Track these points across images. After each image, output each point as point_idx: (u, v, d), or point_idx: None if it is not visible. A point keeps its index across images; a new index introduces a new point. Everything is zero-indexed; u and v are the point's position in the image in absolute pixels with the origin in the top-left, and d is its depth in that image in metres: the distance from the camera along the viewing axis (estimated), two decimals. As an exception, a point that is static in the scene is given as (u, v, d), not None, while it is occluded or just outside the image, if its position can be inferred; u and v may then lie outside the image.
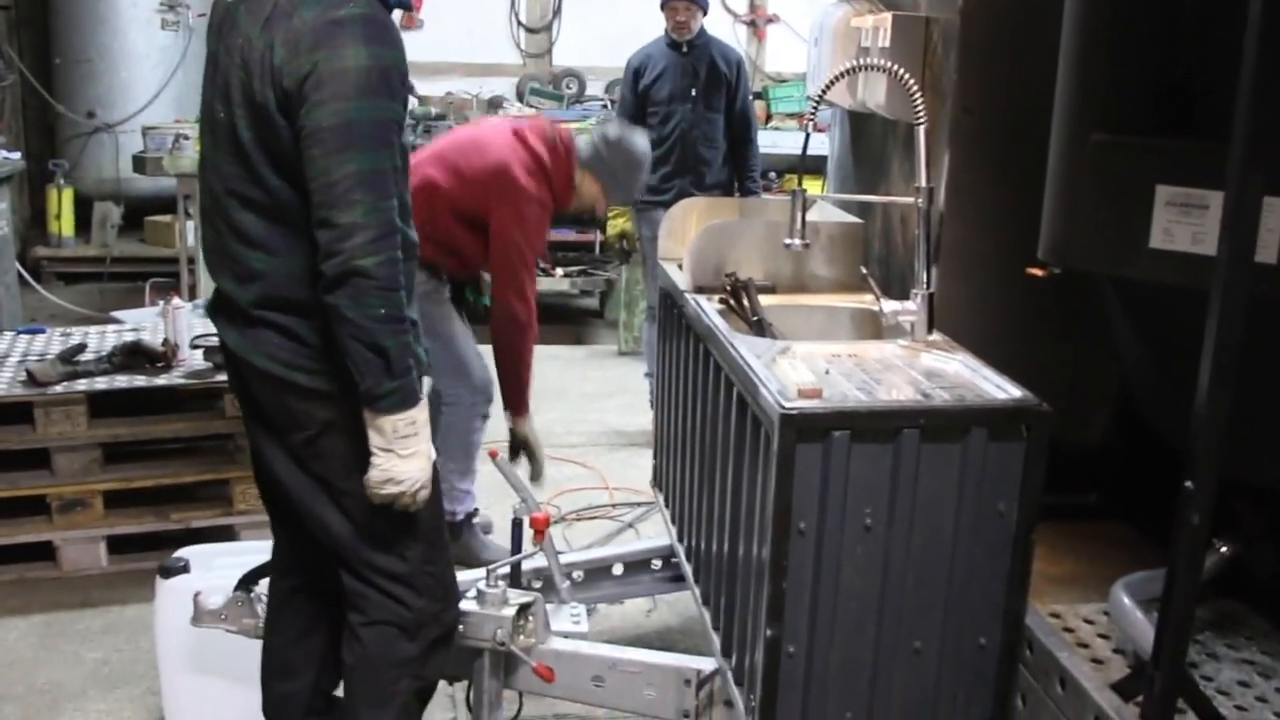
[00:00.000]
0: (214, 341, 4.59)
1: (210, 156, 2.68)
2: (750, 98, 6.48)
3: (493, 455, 3.65)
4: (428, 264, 4.13)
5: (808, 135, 3.16)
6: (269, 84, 2.46)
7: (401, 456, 2.61)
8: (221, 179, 2.63)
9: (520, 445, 4.64)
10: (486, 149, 4.39)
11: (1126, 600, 2.81)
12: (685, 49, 6.19)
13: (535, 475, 4.63)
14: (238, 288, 2.66)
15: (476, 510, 4.94)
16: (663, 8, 6.22)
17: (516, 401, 4.56)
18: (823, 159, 4.88)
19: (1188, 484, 2.23)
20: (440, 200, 4.32)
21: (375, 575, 2.77)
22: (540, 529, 3.30)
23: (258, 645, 3.16)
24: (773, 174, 9.59)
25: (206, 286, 7.39)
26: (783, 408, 2.45)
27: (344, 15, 2.44)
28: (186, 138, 7.90)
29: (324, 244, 2.47)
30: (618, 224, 6.35)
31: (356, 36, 2.43)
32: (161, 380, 4.63)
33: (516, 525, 3.40)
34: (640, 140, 4.59)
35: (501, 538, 4.56)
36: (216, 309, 2.79)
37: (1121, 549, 3.28)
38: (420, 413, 2.64)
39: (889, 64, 3.11)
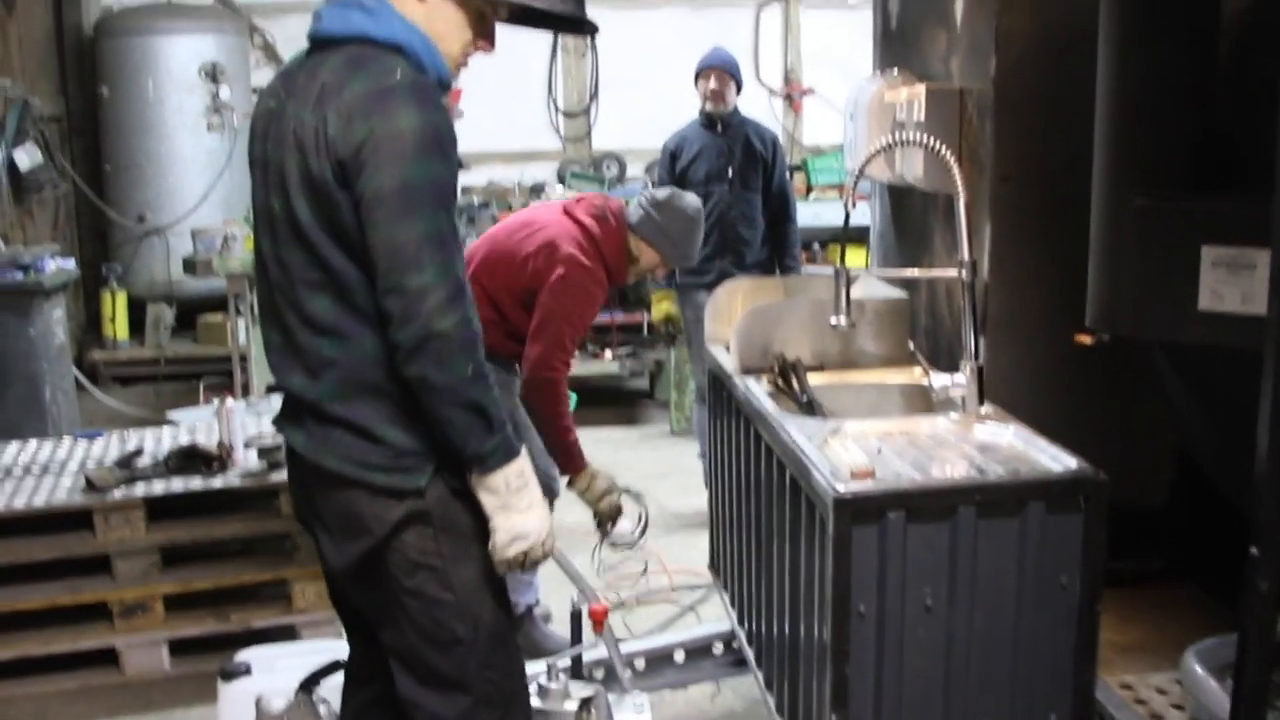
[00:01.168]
0: (269, 441, 4.63)
1: (271, 254, 2.65)
2: (787, 175, 6.48)
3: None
4: (495, 353, 3.75)
5: (847, 212, 3.17)
6: (325, 156, 2.46)
7: (521, 511, 2.58)
8: (287, 271, 2.60)
9: (601, 511, 4.46)
10: (537, 228, 4.45)
11: (1199, 669, 2.75)
12: (720, 129, 6.22)
13: (643, 528, 4.59)
14: (309, 383, 2.62)
15: (537, 601, 4.93)
16: (696, 80, 6.26)
17: (571, 464, 4.43)
18: (865, 229, 4.88)
19: (1254, 550, 2.19)
20: (499, 285, 4.37)
21: (431, 680, 2.69)
22: (599, 620, 3.28)
23: (320, 749, 3.16)
24: (816, 244, 9.61)
25: (259, 385, 7.47)
26: (836, 491, 2.43)
27: (394, 83, 2.46)
28: (235, 238, 7.99)
29: (397, 311, 2.44)
30: (662, 307, 6.36)
31: (408, 101, 2.45)
32: (218, 482, 4.67)
33: (576, 617, 3.39)
34: (690, 198, 4.60)
35: (561, 627, 4.53)
36: (284, 414, 2.76)
37: (1191, 613, 3.23)
38: (525, 462, 2.60)
39: (925, 137, 3.11)
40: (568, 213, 4.50)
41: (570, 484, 4.46)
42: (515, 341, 4.40)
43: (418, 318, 2.42)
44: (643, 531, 4.59)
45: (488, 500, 2.57)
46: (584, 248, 4.38)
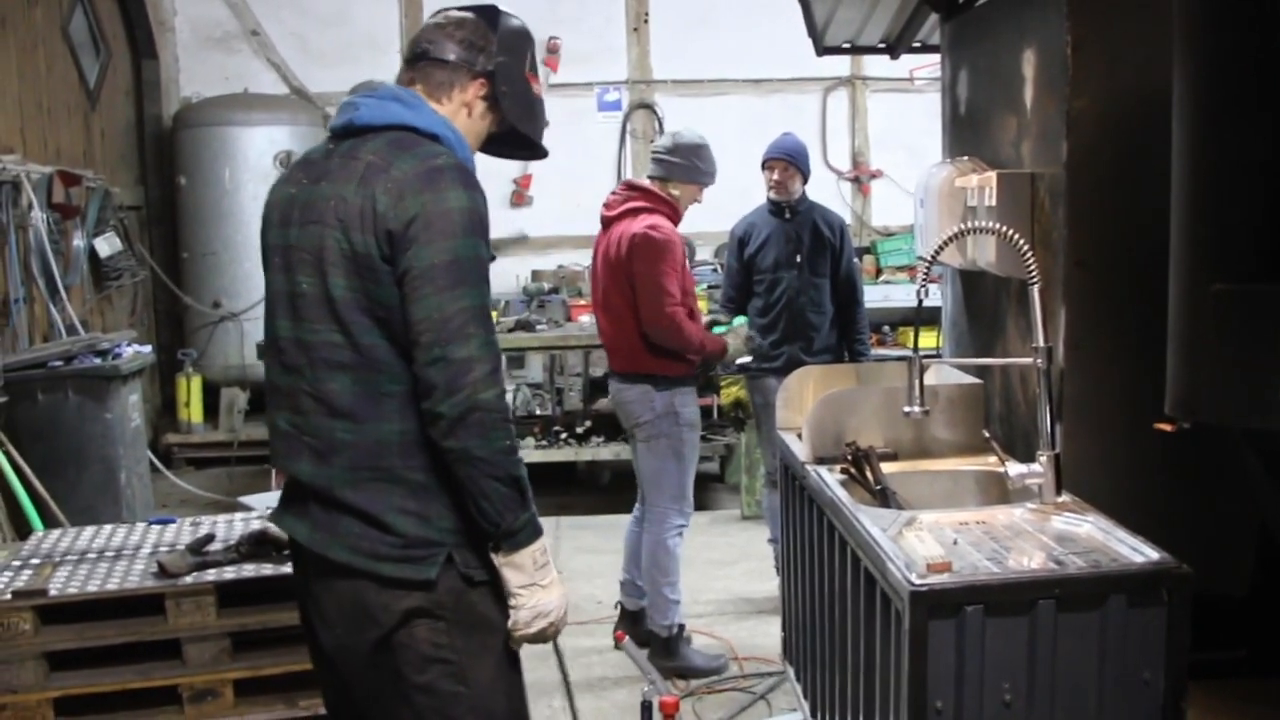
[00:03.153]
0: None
1: (290, 337, 2.65)
2: (855, 260, 6.45)
3: (619, 639, 3.61)
4: (678, 378, 5.31)
5: (920, 300, 3.14)
6: (371, 232, 2.49)
7: (544, 588, 2.61)
8: (308, 352, 2.61)
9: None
10: (613, 239, 5.37)
11: (1289, 767, 2.67)
12: (788, 215, 6.21)
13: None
14: (318, 468, 2.61)
15: (684, 625, 5.45)
16: (762, 168, 6.28)
17: (716, 354, 5.45)
18: (936, 309, 4.85)
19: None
20: (627, 304, 5.30)
21: None
22: (670, 713, 3.25)
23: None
24: (886, 327, 9.57)
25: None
26: (912, 585, 2.39)
27: (442, 164, 2.54)
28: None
29: (442, 382, 2.46)
30: (731, 392, 6.35)
31: (456, 182, 2.53)
32: (287, 568, 4.67)
33: (646, 709, 3.35)
34: (686, 131, 5.55)
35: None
36: (286, 504, 2.76)
37: (1277, 707, 3.14)
38: (547, 539, 2.64)
39: (998, 225, 3.09)
40: (620, 218, 5.40)
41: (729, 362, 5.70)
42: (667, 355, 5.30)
43: (463, 389, 2.45)
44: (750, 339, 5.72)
45: (514, 577, 2.58)
46: (642, 220, 5.27)
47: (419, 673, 2.58)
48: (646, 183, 5.49)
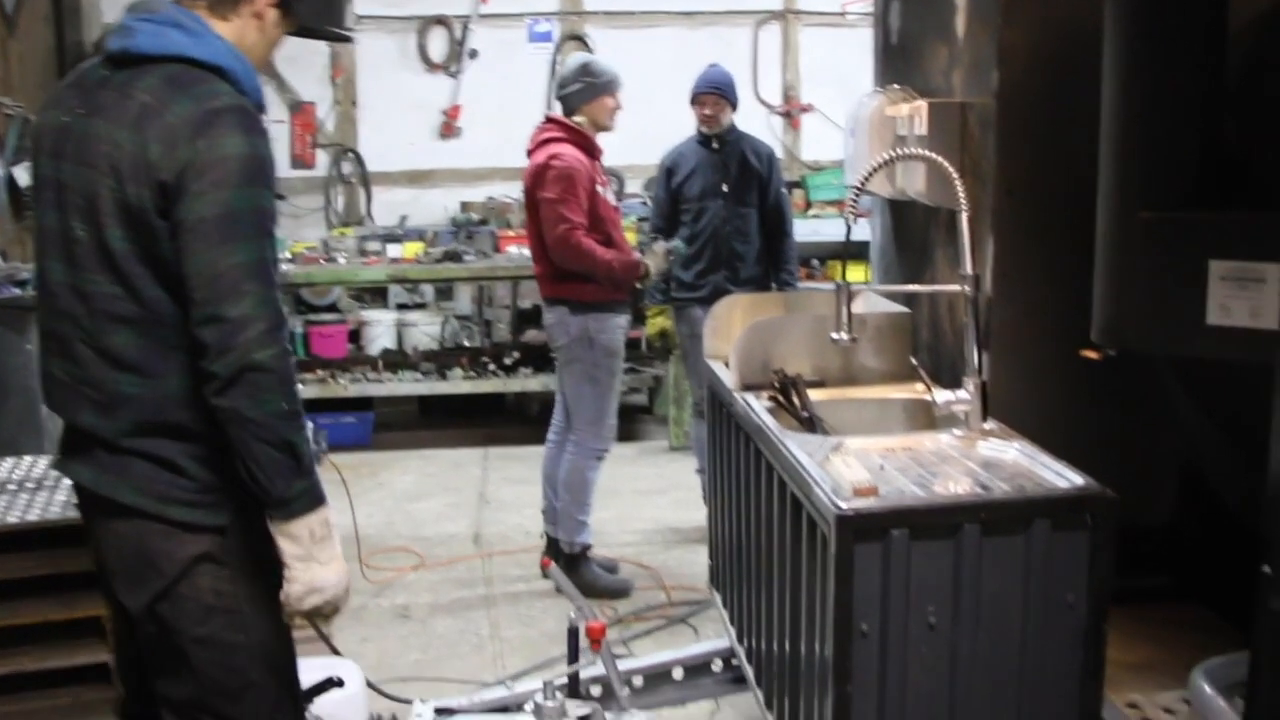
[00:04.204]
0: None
1: (65, 283, 2.49)
2: (784, 191, 6.44)
3: (545, 565, 3.60)
4: (595, 303, 5.44)
5: (849, 227, 3.13)
6: (144, 184, 2.35)
7: (322, 563, 2.48)
8: (87, 302, 2.46)
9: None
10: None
11: (1208, 688, 2.71)
12: (716, 145, 6.19)
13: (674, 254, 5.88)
14: (101, 420, 2.48)
15: (591, 545, 5.67)
16: (692, 103, 6.24)
17: (630, 276, 5.52)
18: (865, 245, 4.85)
19: (1265, 568, 2.16)
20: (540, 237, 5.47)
21: None
22: (597, 637, 3.24)
23: (314, 768, 3.12)
24: (815, 261, 9.58)
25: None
26: (839, 508, 2.40)
27: (222, 105, 2.38)
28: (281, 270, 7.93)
29: (213, 341, 2.33)
30: (657, 322, 6.33)
31: (235, 126, 2.37)
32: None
33: (573, 634, 3.35)
34: (573, 57, 5.97)
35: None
36: (67, 450, 2.62)
37: (1198, 632, 3.19)
38: (330, 513, 2.50)
39: (927, 152, 3.08)
40: (535, 150, 5.55)
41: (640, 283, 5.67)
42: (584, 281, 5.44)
43: (235, 348, 2.33)
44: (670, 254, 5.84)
45: (288, 548, 2.45)
46: (549, 150, 5.43)
47: (199, 625, 2.50)
48: (557, 120, 5.63)
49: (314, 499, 2.46)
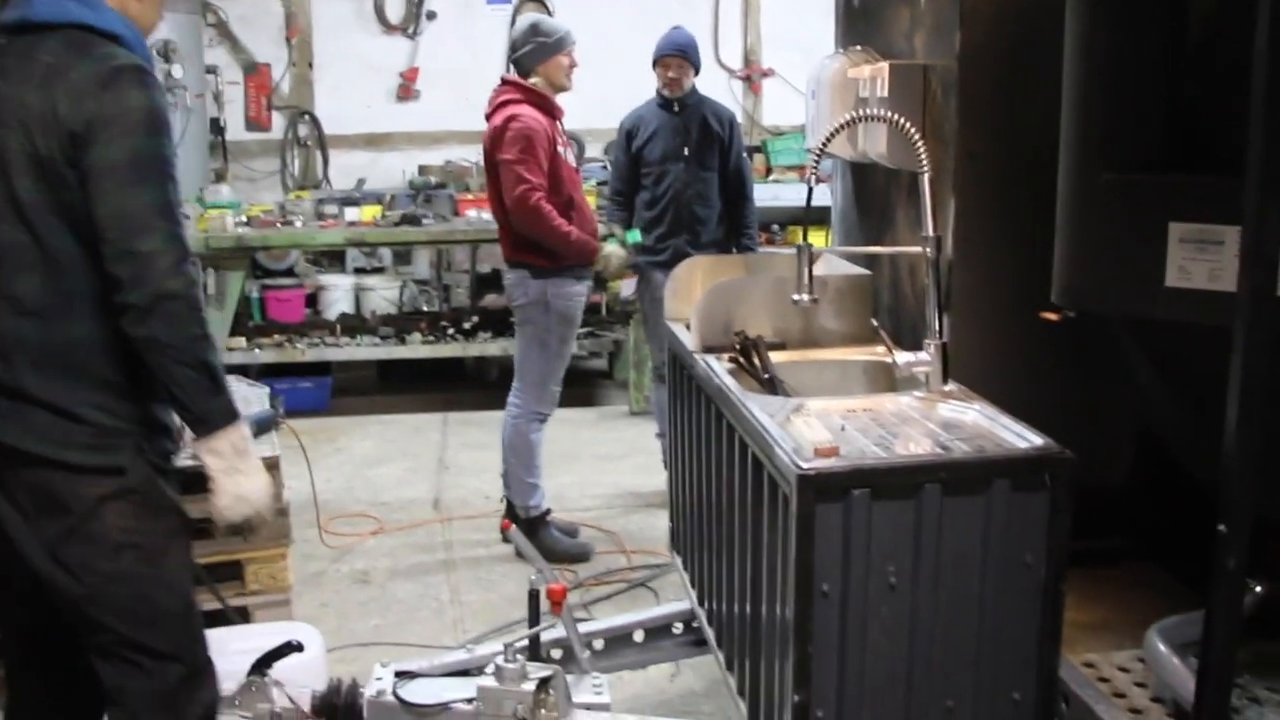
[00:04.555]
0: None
1: None
2: (745, 155, 6.42)
3: (505, 528, 3.60)
4: (554, 269, 5.38)
5: (810, 189, 3.12)
6: (54, 136, 2.53)
7: (246, 475, 2.71)
8: None
9: (613, 275, 5.77)
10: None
11: (1162, 647, 2.75)
12: (677, 108, 6.16)
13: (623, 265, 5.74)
14: (2, 367, 2.63)
15: (549, 510, 5.66)
16: (654, 65, 6.20)
17: (585, 255, 5.45)
18: (826, 210, 4.85)
19: (1221, 527, 2.17)
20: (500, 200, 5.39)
21: (140, 656, 2.72)
22: (558, 600, 3.24)
23: (273, 732, 3.11)
24: (775, 226, 9.58)
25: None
26: (800, 468, 2.40)
27: (123, 64, 2.59)
28: (188, 217, 7.86)
29: (128, 275, 2.53)
30: (617, 286, 6.31)
31: (135, 82, 2.58)
32: (169, 463, 4.59)
33: (533, 596, 3.34)
34: (521, 19, 5.82)
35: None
36: None
37: (1152, 592, 3.22)
38: (247, 428, 2.75)
39: (889, 114, 3.08)
40: (494, 113, 5.47)
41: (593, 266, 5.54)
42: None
43: (150, 280, 2.53)
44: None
45: (213, 463, 2.67)
46: (507, 111, 5.36)
47: (110, 561, 2.66)
48: (515, 82, 5.55)
49: (231, 414, 2.69)
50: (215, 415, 2.65)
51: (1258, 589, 2.74)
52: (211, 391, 2.63)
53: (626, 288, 5.56)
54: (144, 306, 2.53)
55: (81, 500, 2.62)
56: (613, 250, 5.59)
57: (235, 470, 2.68)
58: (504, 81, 5.62)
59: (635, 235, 5.94)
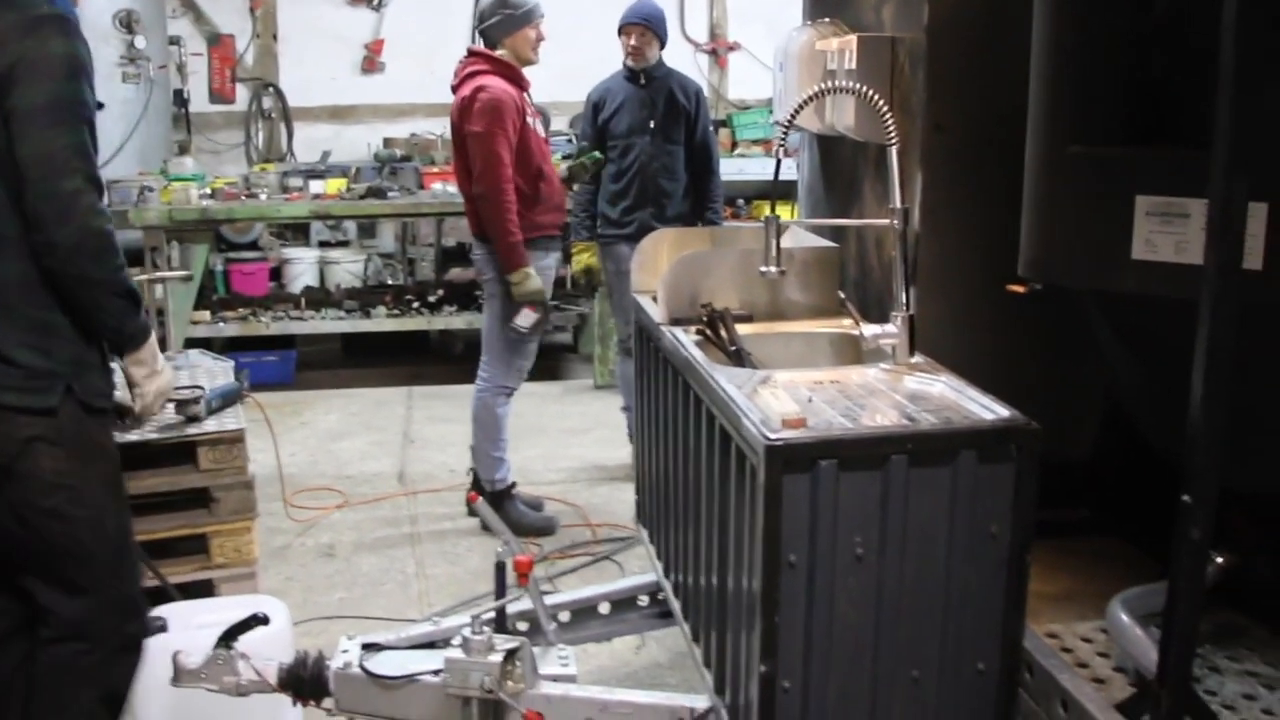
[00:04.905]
0: (186, 394, 4.51)
1: None
2: (711, 128, 6.41)
3: (471, 500, 3.59)
4: (531, 239, 5.35)
5: (779, 161, 3.12)
6: None
7: (160, 373, 3.10)
8: None
9: (524, 296, 5.36)
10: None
11: (1125, 617, 2.76)
12: (643, 81, 6.14)
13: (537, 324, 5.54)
14: None
15: (515, 483, 5.68)
16: (619, 33, 6.18)
17: (512, 261, 5.31)
18: (792, 183, 4.84)
19: (1185, 498, 2.18)
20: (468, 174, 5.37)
21: (65, 588, 2.89)
22: (524, 572, 3.23)
23: (240, 703, 3.10)
24: (740, 201, 9.57)
25: (177, 338, 7.33)
26: (767, 439, 2.40)
27: (46, 13, 2.71)
28: (151, 189, 7.83)
29: (52, 214, 2.67)
30: (582, 259, 6.29)
31: (58, 30, 2.71)
32: (133, 436, 4.55)
33: (499, 569, 3.33)
34: None
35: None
36: None
37: (1115, 564, 3.24)
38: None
39: (857, 85, 3.07)
40: (460, 85, 5.44)
41: (509, 275, 5.35)
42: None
43: (75, 218, 2.70)
44: (536, 329, 5.47)
45: (138, 371, 3.03)
46: (475, 83, 5.32)
47: (44, 499, 2.81)
48: (482, 53, 5.54)
49: (146, 329, 3.01)
50: (139, 331, 2.96)
51: (1218, 560, 2.77)
52: (135, 312, 2.90)
53: (522, 318, 5.39)
54: (72, 245, 2.69)
55: (12, 441, 2.74)
56: (532, 279, 5.36)
57: (154, 373, 3.07)
58: (470, 53, 5.57)
59: (597, 155, 6.03)
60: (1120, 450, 3.37)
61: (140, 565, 3.22)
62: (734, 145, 9.97)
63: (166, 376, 3.15)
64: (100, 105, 3.08)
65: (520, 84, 5.48)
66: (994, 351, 3.20)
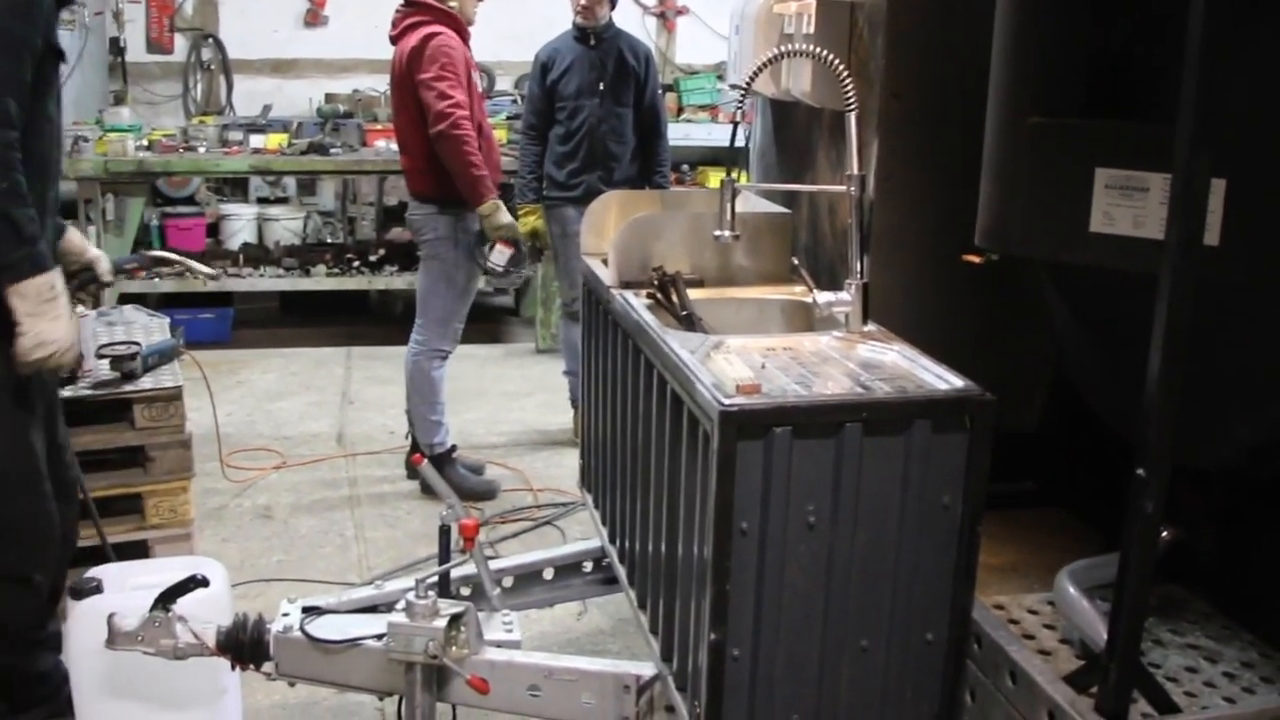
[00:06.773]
0: (122, 350, 4.43)
1: None
2: (660, 92, 6.36)
3: (416, 462, 3.54)
4: (454, 200, 5.28)
5: (735, 125, 3.09)
6: None
7: (49, 319, 2.97)
8: None
9: (498, 231, 5.32)
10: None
11: (1072, 590, 2.78)
12: (593, 42, 6.07)
13: (528, 259, 5.71)
14: None
15: (455, 446, 5.63)
16: None
17: (478, 195, 5.23)
18: (744, 150, 4.81)
19: (1140, 471, 2.19)
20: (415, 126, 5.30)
21: None
22: (470, 536, 3.19)
23: (177, 667, 3.04)
24: (685, 166, 9.53)
25: (111, 294, 7.18)
26: (722, 404, 2.37)
27: None
28: (86, 140, 7.68)
29: None
30: (528, 221, 6.22)
31: None
32: (67, 392, 4.45)
33: (444, 532, 3.29)
34: None
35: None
36: None
37: (1062, 536, 3.26)
38: (58, 279, 2.99)
39: (816, 50, 3.04)
40: (402, 36, 5.40)
41: (479, 209, 5.29)
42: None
43: None
44: (514, 264, 5.41)
45: (18, 305, 2.93)
46: (421, 32, 5.27)
47: None
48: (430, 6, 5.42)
49: (36, 264, 2.93)
50: (20, 263, 2.89)
51: (1165, 534, 2.78)
52: (15, 241, 2.86)
53: (497, 255, 5.38)
54: None
55: None
56: (502, 210, 5.34)
57: (40, 314, 2.94)
58: (409, 3, 5.47)
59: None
60: (1066, 423, 3.38)
61: (35, 497, 3.22)
62: (680, 110, 9.90)
63: (57, 327, 2.99)
64: (60, 54, 3.13)
65: (464, 36, 5.41)
66: (946, 321, 3.20)
